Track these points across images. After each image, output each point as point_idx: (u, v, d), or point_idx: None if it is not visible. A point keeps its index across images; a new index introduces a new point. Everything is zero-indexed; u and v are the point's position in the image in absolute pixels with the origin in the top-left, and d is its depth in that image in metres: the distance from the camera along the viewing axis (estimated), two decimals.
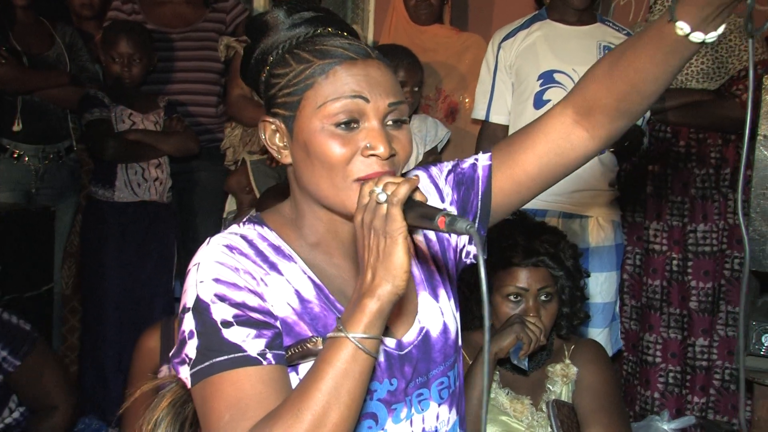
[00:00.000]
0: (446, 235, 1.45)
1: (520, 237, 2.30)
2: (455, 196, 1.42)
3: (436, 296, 1.41)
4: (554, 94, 3.12)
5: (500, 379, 2.28)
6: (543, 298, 2.26)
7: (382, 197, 1.12)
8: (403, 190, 1.11)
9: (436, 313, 1.40)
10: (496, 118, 3.27)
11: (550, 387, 2.26)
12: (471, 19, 4.27)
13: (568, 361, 2.29)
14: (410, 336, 1.35)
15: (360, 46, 1.28)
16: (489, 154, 1.41)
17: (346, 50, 1.26)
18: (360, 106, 1.23)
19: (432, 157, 3.22)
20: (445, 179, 1.44)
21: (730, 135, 3.31)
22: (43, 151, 3.74)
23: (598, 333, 3.18)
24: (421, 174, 1.45)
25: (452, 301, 1.44)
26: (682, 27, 1.15)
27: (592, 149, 1.34)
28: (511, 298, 2.25)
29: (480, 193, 1.40)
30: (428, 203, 1.14)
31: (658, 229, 3.37)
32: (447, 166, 1.46)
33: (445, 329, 1.40)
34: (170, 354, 1.26)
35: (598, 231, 3.19)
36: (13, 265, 3.30)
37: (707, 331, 3.32)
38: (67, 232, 3.89)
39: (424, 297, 1.40)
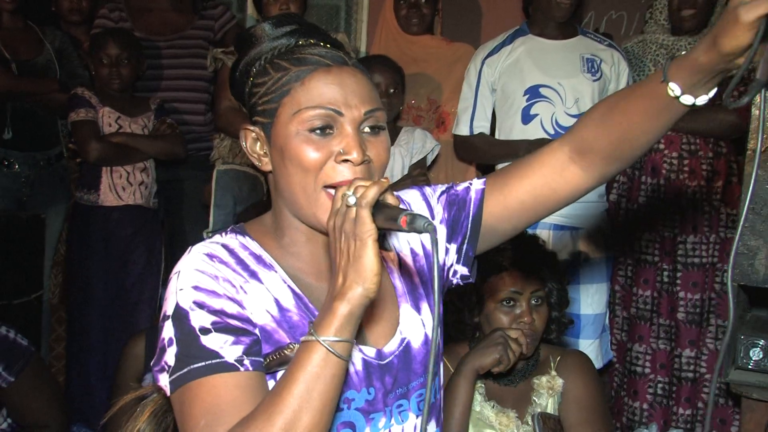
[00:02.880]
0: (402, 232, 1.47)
1: (507, 242, 2.30)
2: (446, 216, 1.44)
3: (418, 309, 1.42)
4: (541, 109, 3.14)
5: (485, 391, 2.27)
6: (534, 302, 2.27)
7: (352, 200, 1.13)
8: (372, 193, 1.11)
9: (418, 325, 1.40)
10: (477, 130, 3.31)
11: (536, 399, 2.25)
12: (462, 30, 4.29)
13: (554, 373, 2.28)
14: (391, 346, 1.36)
15: (336, 54, 1.30)
16: (483, 179, 1.44)
17: (322, 57, 1.28)
18: (334, 117, 1.25)
19: (417, 170, 3.22)
20: (438, 199, 1.46)
21: (722, 148, 3.32)
22: (33, 158, 3.73)
23: (588, 344, 3.18)
24: (414, 192, 1.47)
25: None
26: (674, 89, 1.18)
27: (584, 186, 1.37)
28: (505, 303, 2.25)
29: (471, 215, 1.42)
30: (397, 206, 1.14)
31: (650, 240, 3.37)
32: (441, 187, 1.48)
33: (426, 341, 1.40)
34: (151, 362, 1.27)
35: (589, 243, 3.19)
36: (3, 271, 3.29)
37: (694, 342, 3.32)
38: (56, 240, 3.87)
39: (406, 309, 1.40)
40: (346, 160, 1.24)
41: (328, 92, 1.25)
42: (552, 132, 3.13)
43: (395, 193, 1.19)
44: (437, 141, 3.38)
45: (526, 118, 3.16)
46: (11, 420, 2.63)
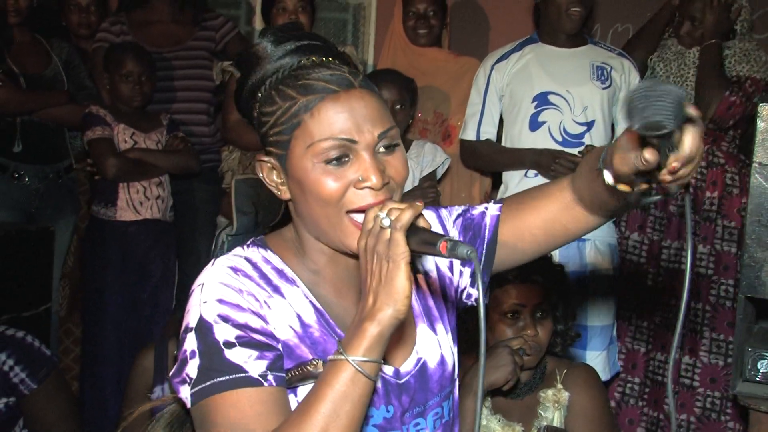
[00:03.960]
0: (448, 273, 1.48)
1: None
2: (460, 239, 1.45)
3: (434, 329, 1.43)
4: (549, 116, 3.15)
5: (491, 405, 2.27)
6: (539, 315, 2.27)
7: (386, 222, 1.13)
8: (407, 216, 1.12)
9: (434, 345, 1.41)
10: (485, 138, 3.32)
11: (542, 413, 2.25)
12: (469, 44, 4.30)
13: (560, 386, 2.28)
14: (408, 366, 1.36)
15: (342, 75, 1.28)
16: (499, 205, 1.46)
17: (328, 83, 1.26)
18: (348, 146, 1.24)
19: (428, 183, 3.23)
20: (453, 222, 1.47)
21: (718, 158, 3.32)
22: (42, 171, 3.75)
23: (596, 356, 3.18)
24: (430, 214, 1.48)
25: (450, 335, 1.46)
26: (607, 178, 1.24)
27: (591, 224, 1.40)
28: (509, 315, 2.25)
29: (486, 240, 1.43)
30: (431, 229, 1.15)
31: (638, 241, 3.38)
32: (457, 210, 1.49)
33: (442, 361, 1.41)
34: (170, 373, 1.27)
35: (596, 254, 3.20)
36: (12, 284, 3.30)
37: (693, 350, 3.32)
38: (65, 252, 3.89)
39: (422, 329, 1.41)
40: (366, 187, 1.24)
41: (339, 121, 1.24)
42: (560, 139, 3.14)
43: None
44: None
45: (534, 125, 3.17)
46: (27, 431, 2.65)
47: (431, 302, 1.46)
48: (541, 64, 3.20)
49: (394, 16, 3.84)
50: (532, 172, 3.17)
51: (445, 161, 3.36)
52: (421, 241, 1.13)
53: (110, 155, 3.52)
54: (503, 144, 3.29)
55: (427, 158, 3.27)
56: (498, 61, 3.28)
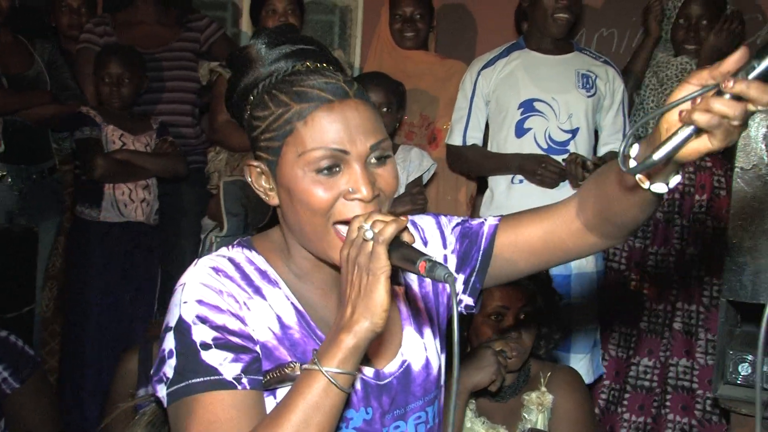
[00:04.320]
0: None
1: None
2: (457, 246, 1.44)
3: (421, 332, 1.43)
4: (535, 123, 3.16)
5: (476, 407, 2.28)
6: (522, 317, 2.28)
7: (369, 234, 1.13)
8: (390, 230, 1.12)
9: (420, 348, 1.41)
10: (471, 143, 3.33)
11: (526, 415, 2.27)
12: (456, 48, 4.31)
13: (544, 389, 2.29)
14: (392, 367, 1.36)
15: (337, 85, 1.27)
16: (498, 217, 1.44)
17: (323, 91, 1.25)
18: (340, 156, 1.23)
19: (416, 189, 3.23)
20: (452, 229, 1.47)
21: (705, 162, 3.35)
22: (26, 171, 3.73)
23: (580, 359, 3.19)
24: (429, 219, 1.48)
25: (438, 340, 1.46)
26: (628, 164, 1.14)
27: (587, 244, 1.36)
28: (492, 318, 2.26)
29: (482, 248, 1.42)
30: (414, 246, 1.15)
31: (618, 248, 3.40)
32: (456, 219, 1.49)
33: (427, 364, 1.41)
34: (151, 372, 1.27)
35: (579, 258, 3.20)
36: None
37: (653, 352, 3.34)
38: (48, 253, 3.87)
39: (408, 332, 1.41)
40: (356, 198, 1.23)
41: (332, 131, 1.23)
42: (545, 146, 3.15)
43: (410, 218, 1.19)
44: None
45: (520, 131, 3.18)
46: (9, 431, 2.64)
47: (421, 306, 1.46)
48: (528, 71, 3.22)
49: (380, 18, 3.84)
50: (518, 178, 3.18)
51: (431, 167, 3.36)
52: (402, 256, 1.12)
53: (97, 155, 3.51)
54: (489, 149, 3.30)
55: (414, 163, 3.28)
56: (484, 66, 3.29)
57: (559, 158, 3.12)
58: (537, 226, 1.38)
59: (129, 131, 3.63)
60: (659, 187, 1.15)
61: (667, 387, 3.37)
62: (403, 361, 1.38)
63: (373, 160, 1.26)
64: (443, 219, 1.49)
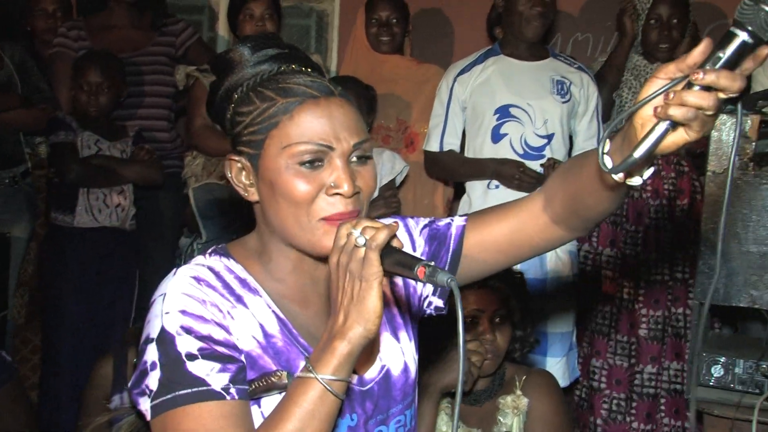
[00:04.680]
0: (413, 282, 1.47)
1: None
2: (426, 249, 1.45)
3: (397, 337, 1.43)
4: (511, 128, 3.18)
5: (451, 411, 2.29)
6: (497, 320, 2.29)
7: (361, 241, 1.13)
8: (383, 236, 1.12)
9: (398, 353, 1.42)
10: (447, 147, 3.34)
11: (501, 419, 2.27)
12: (433, 53, 4.33)
13: (519, 392, 2.30)
14: (372, 373, 1.37)
15: (323, 83, 1.29)
16: (465, 216, 1.45)
17: (309, 88, 1.27)
18: (325, 151, 1.24)
19: (389, 192, 3.24)
20: (420, 231, 1.47)
21: (683, 167, 3.38)
22: None
23: (555, 362, 3.21)
24: (397, 222, 1.47)
25: (413, 343, 1.47)
26: (607, 164, 1.14)
27: (554, 237, 1.38)
28: (467, 321, 2.27)
29: (451, 250, 1.43)
30: (406, 251, 1.16)
31: (612, 256, 3.42)
32: (424, 221, 1.49)
33: (405, 369, 1.42)
34: (129, 384, 1.25)
35: (556, 262, 3.23)
36: None
37: (656, 359, 3.36)
38: (21, 259, 3.83)
39: (386, 337, 1.42)
40: (337, 193, 1.24)
41: (317, 126, 1.24)
42: (521, 152, 3.17)
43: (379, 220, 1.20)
44: (406, 161, 3.40)
45: (496, 137, 3.20)
46: None
47: (395, 310, 1.46)
48: (503, 78, 3.24)
49: (356, 22, 3.85)
50: (494, 184, 3.19)
51: (404, 169, 3.37)
52: (396, 262, 1.13)
53: (71, 159, 3.48)
54: (466, 155, 3.32)
55: (386, 166, 3.28)
56: (460, 73, 3.31)
57: (535, 163, 3.14)
58: (504, 224, 1.39)
59: (105, 137, 3.61)
60: (635, 180, 1.17)
61: (632, 395, 3.40)
62: (383, 367, 1.39)
63: (354, 159, 1.27)
64: (411, 221, 1.49)
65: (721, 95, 1.01)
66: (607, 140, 1.13)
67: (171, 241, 3.75)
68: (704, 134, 1.05)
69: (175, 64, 3.83)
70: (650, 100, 1.05)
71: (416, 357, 1.47)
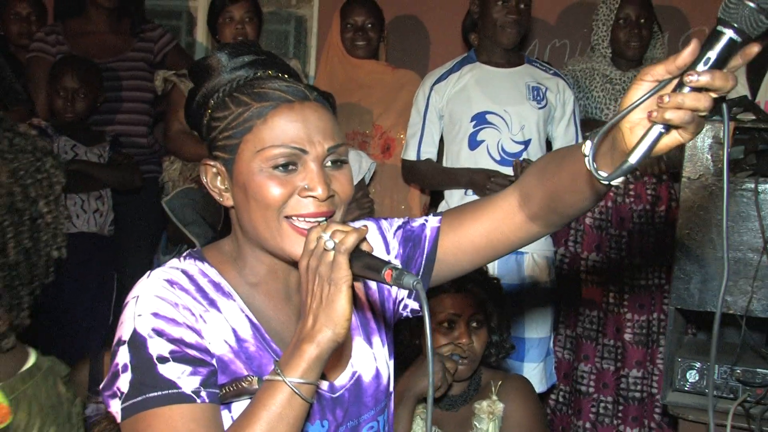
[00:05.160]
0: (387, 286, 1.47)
1: None
2: (401, 251, 1.45)
3: (370, 342, 1.43)
4: (487, 135, 3.20)
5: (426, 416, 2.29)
6: (474, 324, 2.29)
7: (330, 244, 1.13)
8: (351, 239, 1.12)
9: (370, 359, 1.41)
10: (425, 157, 3.36)
11: (477, 424, 2.27)
12: (407, 58, 4.34)
13: (494, 397, 2.30)
14: (343, 379, 1.36)
15: (298, 88, 1.29)
16: (439, 217, 1.44)
17: (284, 92, 1.27)
18: (298, 155, 1.24)
19: (360, 193, 3.23)
20: (394, 234, 1.47)
21: (662, 174, 3.40)
22: None
23: (533, 368, 3.22)
24: (371, 225, 1.47)
25: (386, 347, 1.46)
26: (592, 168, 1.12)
27: (531, 233, 1.37)
28: (444, 325, 2.27)
29: (425, 252, 1.43)
30: (375, 254, 1.15)
31: (597, 261, 3.43)
32: (397, 222, 1.49)
33: (377, 375, 1.42)
34: (101, 386, 1.25)
35: (534, 267, 3.24)
36: None
37: (641, 363, 3.38)
38: None
39: (358, 342, 1.41)
40: (310, 195, 1.24)
41: (291, 129, 1.24)
42: (498, 158, 3.18)
43: (351, 223, 1.20)
44: (383, 166, 3.40)
45: (473, 144, 3.22)
46: None
47: (369, 315, 1.46)
48: (479, 85, 3.25)
49: (332, 26, 3.85)
50: (471, 191, 3.20)
51: (371, 166, 3.37)
52: (364, 265, 1.13)
53: None
54: (444, 162, 3.33)
55: (353, 167, 3.28)
56: (437, 81, 3.32)
57: (511, 170, 3.15)
58: (479, 225, 1.39)
59: (82, 142, 3.58)
60: (618, 180, 1.14)
61: (619, 398, 3.42)
62: (354, 373, 1.38)
63: (328, 164, 1.27)
64: (384, 223, 1.49)
65: (712, 95, 1.01)
66: (589, 143, 1.12)
67: (149, 247, 3.72)
68: (696, 134, 1.05)
69: (154, 70, 3.82)
70: (640, 104, 1.05)
71: (390, 362, 1.47)
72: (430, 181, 3.41)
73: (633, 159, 1.05)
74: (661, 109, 1.01)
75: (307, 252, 1.16)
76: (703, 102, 0.99)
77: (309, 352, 1.13)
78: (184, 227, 3.33)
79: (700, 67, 1.01)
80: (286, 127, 1.24)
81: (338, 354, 1.37)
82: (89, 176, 3.55)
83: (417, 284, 1.09)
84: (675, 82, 1.03)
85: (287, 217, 1.24)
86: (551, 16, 4.34)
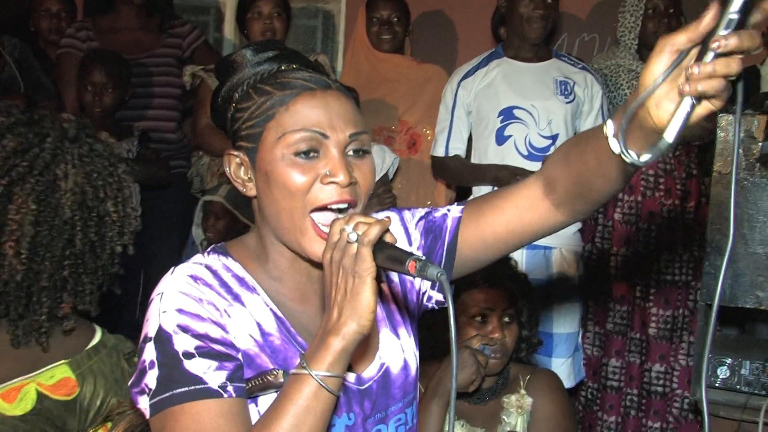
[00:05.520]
0: (410, 277, 1.46)
1: None
2: (422, 242, 1.44)
3: (396, 334, 1.43)
4: (515, 130, 3.18)
5: (455, 410, 2.29)
6: (506, 319, 2.29)
7: (353, 237, 1.12)
8: (375, 231, 1.11)
9: (397, 350, 1.41)
10: (452, 152, 3.35)
11: (505, 418, 2.27)
12: (436, 55, 4.33)
13: (523, 391, 2.30)
14: (371, 371, 1.36)
15: (320, 78, 1.30)
16: (461, 207, 1.42)
17: (306, 81, 1.28)
18: (320, 140, 1.24)
19: (382, 188, 3.23)
20: (416, 225, 1.46)
21: (693, 170, 3.38)
22: None
23: (561, 363, 3.21)
24: (393, 216, 1.47)
25: (412, 339, 1.46)
26: (613, 145, 1.12)
27: (556, 222, 1.34)
28: (477, 319, 2.27)
29: (446, 242, 1.41)
30: (398, 245, 1.14)
31: (626, 255, 3.41)
32: (420, 212, 1.47)
33: (405, 366, 1.41)
34: (129, 383, 1.26)
35: (562, 262, 3.23)
36: None
37: (664, 357, 3.36)
38: None
39: (385, 334, 1.41)
40: (332, 182, 1.24)
41: (312, 115, 1.24)
42: (525, 153, 3.17)
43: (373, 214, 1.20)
44: (409, 161, 3.40)
45: (501, 139, 3.21)
46: None
47: (393, 306, 1.45)
48: (507, 80, 3.24)
49: (357, 22, 3.85)
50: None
51: (394, 161, 3.37)
52: (388, 257, 1.12)
53: None
54: (472, 158, 3.33)
55: (376, 161, 3.28)
56: (464, 77, 3.32)
57: (539, 164, 3.14)
58: (502, 216, 1.35)
59: (111, 137, 3.61)
60: (646, 157, 1.10)
61: (643, 392, 3.40)
62: (382, 364, 1.38)
63: (350, 152, 1.27)
64: (407, 214, 1.48)
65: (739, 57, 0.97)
66: (611, 124, 1.09)
67: (177, 242, 3.75)
68: (725, 101, 1.01)
69: (182, 66, 3.84)
70: (666, 77, 1.01)
71: (417, 353, 1.47)
72: (458, 177, 3.41)
73: (669, 136, 1.02)
74: (694, 82, 0.98)
75: (331, 244, 1.16)
76: (734, 66, 0.97)
77: (335, 344, 1.13)
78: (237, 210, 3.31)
79: (723, 32, 0.97)
80: (308, 113, 1.25)
81: (365, 345, 1.36)
82: None
83: (441, 275, 1.08)
84: (695, 50, 1.00)
85: (312, 211, 1.25)
86: (582, 11, 4.32)
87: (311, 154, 1.24)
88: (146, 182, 3.65)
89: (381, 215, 1.43)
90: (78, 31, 3.90)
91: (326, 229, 1.22)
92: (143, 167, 3.61)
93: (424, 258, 1.10)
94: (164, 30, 3.98)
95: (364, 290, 1.11)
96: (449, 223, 1.42)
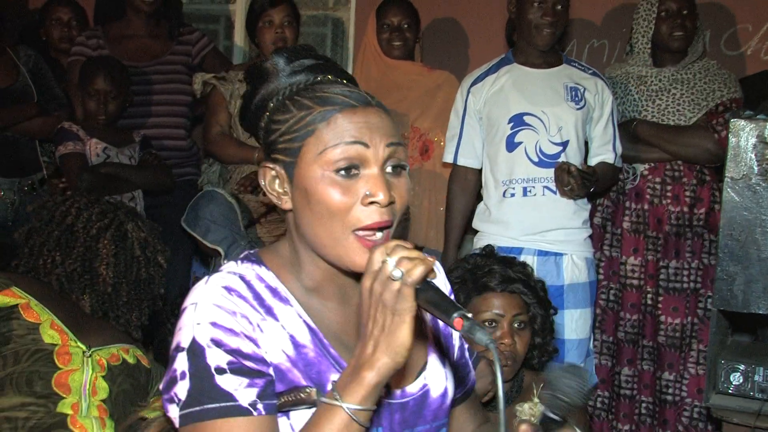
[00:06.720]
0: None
1: (496, 265, 2.34)
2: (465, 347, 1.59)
3: (443, 362, 1.45)
4: (525, 137, 3.18)
5: None
6: (517, 325, 2.29)
7: (397, 273, 1.12)
8: (419, 272, 1.11)
9: (442, 377, 1.43)
10: (464, 161, 3.34)
11: (520, 417, 2.26)
12: (447, 62, 4.33)
13: (536, 399, 2.29)
14: (414, 388, 1.38)
15: (360, 94, 1.29)
16: (472, 392, 1.61)
17: (347, 97, 1.27)
18: (360, 152, 1.24)
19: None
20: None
21: (705, 176, 3.36)
22: (18, 183, 3.73)
23: None
24: (441, 277, 1.54)
25: (451, 372, 1.48)
26: None
27: None
28: (487, 324, 2.26)
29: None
30: (441, 290, 1.15)
31: (636, 265, 3.40)
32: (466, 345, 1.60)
33: (444, 393, 1.43)
34: (160, 387, 1.27)
35: (573, 268, 3.22)
36: None
37: (673, 365, 3.35)
38: None
39: (433, 359, 1.43)
40: (372, 202, 1.24)
41: (354, 129, 1.24)
42: (536, 160, 3.17)
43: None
44: (421, 168, 3.39)
45: (511, 146, 3.20)
46: None
47: (441, 337, 1.48)
48: (517, 86, 3.24)
49: (367, 29, 3.86)
50: (510, 192, 3.19)
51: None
52: (431, 302, 1.12)
53: (81, 170, 3.50)
54: (483, 165, 3.32)
55: None
56: (474, 83, 3.31)
57: (550, 171, 3.13)
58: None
59: (112, 144, 3.60)
60: None
61: (656, 399, 3.39)
62: (424, 385, 1.39)
63: (389, 169, 1.27)
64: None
65: None
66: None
67: (186, 250, 3.75)
68: None
69: (192, 73, 3.86)
70: None
71: (454, 386, 1.48)
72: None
73: None
74: None
75: (371, 273, 1.15)
76: None
77: (368, 379, 1.13)
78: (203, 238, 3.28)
79: None
80: (348, 128, 1.24)
81: (412, 361, 1.37)
82: (121, 178, 3.58)
83: (491, 344, 1.08)
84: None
85: (355, 231, 1.24)
86: (593, 17, 4.31)
87: (352, 172, 1.24)
88: (149, 188, 3.67)
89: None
90: (88, 38, 3.92)
91: (372, 239, 1.23)
92: (145, 173, 3.63)
93: (470, 315, 1.10)
94: (173, 37, 4.00)
95: (403, 329, 1.12)
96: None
